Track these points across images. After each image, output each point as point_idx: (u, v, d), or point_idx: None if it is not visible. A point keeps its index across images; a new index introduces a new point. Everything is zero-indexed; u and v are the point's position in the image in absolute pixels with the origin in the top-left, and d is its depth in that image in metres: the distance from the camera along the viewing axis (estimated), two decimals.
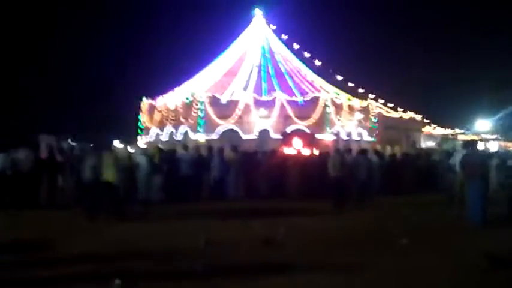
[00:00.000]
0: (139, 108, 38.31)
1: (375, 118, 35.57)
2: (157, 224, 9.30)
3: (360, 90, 38.31)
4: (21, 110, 40.66)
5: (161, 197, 12.58)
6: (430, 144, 40.27)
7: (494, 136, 44.07)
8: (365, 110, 35.19)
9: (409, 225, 9.20)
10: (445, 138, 42.36)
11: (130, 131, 39.27)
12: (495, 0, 67.26)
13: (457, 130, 45.57)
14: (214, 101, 32.41)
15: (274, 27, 41.60)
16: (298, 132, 28.85)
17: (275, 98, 32.12)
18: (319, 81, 38.97)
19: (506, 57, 53.06)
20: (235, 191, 13.32)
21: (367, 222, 9.60)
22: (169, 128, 34.86)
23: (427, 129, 43.55)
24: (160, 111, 35.95)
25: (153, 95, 37.80)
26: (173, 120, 34.66)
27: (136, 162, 12.32)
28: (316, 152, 19.33)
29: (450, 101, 52.38)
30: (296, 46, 40.34)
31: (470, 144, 9.61)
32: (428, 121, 43.68)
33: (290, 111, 31.75)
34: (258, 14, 42.53)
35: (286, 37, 40.95)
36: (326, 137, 31.52)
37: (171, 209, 11.38)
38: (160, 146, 18.11)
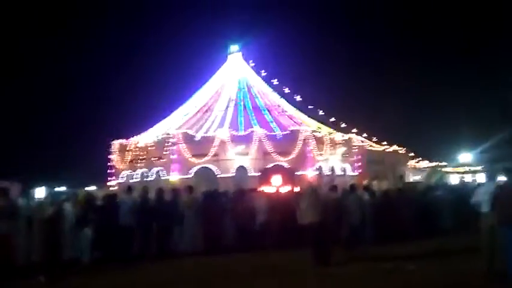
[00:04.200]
0: (110, 149, 35.39)
1: (357, 151, 33.13)
2: None
3: (342, 124, 36.08)
4: None
5: (93, 255, 9.38)
6: (416, 178, 37.76)
7: (479, 168, 42.01)
8: (347, 144, 32.76)
9: None
10: (433, 170, 39.96)
11: (104, 174, 36.51)
12: (476, 35, 67.11)
13: (442, 163, 43.37)
14: (188, 138, 29.76)
15: (253, 64, 39.61)
16: (276, 169, 26.38)
17: (252, 133, 29.54)
18: (299, 116, 36.65)
19: (488, 91, 51.98)
20: (191, 244, 10.14)
21: None
22: (141, 169, 31.91)
23: (411, 163, 41.23)
24: (131, 151, 33.03)
25: (126, 136, 35.13)
26: (144, 160, 31.75)
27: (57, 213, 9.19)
28: (296, 190, 16.73)
29: (433, 134, 50.43)
30: (275, 81, 38.30)
31: (506, 173, 6.60)
32: (412, 154, 41.44)
33: (269, 147, 29.16)
34: (234, 51, 40.71)
35: (265, 73, 38.88)
36: (308, 172, 28.80)
37: (91, 278, 8.15)
38: (91, 190, 15.02)
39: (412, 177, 37.67)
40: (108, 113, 54.72)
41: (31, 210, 9.68)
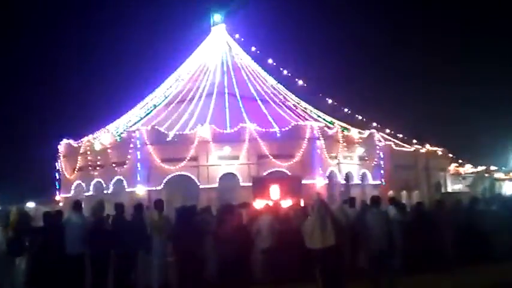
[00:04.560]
0: (56, 153, 35.20)
1: (381, 153, 33.10)
2: None
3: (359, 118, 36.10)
4: None
5: None
6: (459, 187, 37.84)
7: None
8: (368, 143, 32.72)
9: None
10: (480, 176, 39.97)
11: (49, 186, 36.34)
12: None
13: (491, 168, 43.47)
14: (158, 138, 29.59)
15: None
16: (275, 177, 26.27)
17: (243, 130, 29.42)
18: (304, 106, 36.59)
19: None
20: (160, 278, 9.99)
21: None
22: (96, 178, 31.75)
23: (452, 168, 41.26)
24: (83, 155, 32.85)
25: (77, 136, 34.95)
26: (101, 166, 31.57)
27: None
28: (301, 204, 16.72)
29: (479, 131, 50.51)
30: (286, 71, 38.16)
31: None
32: (453, 157, 41.45)
33: (265, 148, 29.05)
34: (218, 22, 40.68)
35: (258, 52, 38.86)
36: (316, 181, 28.75)
37: None
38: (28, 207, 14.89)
39: (452, 186, 37.76)
40: (55, 108, 54.20)
41: None
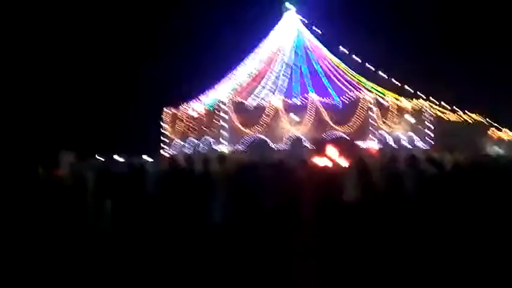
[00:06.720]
0: (161, 118, 35.76)
1: (430, 122, 30.74)
2: None
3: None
4: (40, 127, 38.53)
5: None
6: (498, 150, 34.49)
7: None
8: (418, 113, 30.49)
9: None
10: None
11: (156, 144, 36.99)
12: None
13: None
14: (239, 108, 29.44)
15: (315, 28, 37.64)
16: (334, 140, 25.08)
17: (308, 100, 28.36)
18: (360, 80, 34.64)
19: None
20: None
21: None
22: (192, 139, 32.06)
23: (493, 133, 37.61)
24: (182, 121, 33.24)
25: (176, 104, 35.20)
26: (195, 130, 31.82)
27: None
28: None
29: None
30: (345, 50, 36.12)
31: None
32: (495, 123, 37.70)
33: (326, 116, 27.88)
34: (289, 9, 38.97)
35: (322, 33, 36.92)
36: (370, 144, 27.24)
37: None
38: None
39: (493, 151, 34.54)
40: (158, 81, 53.06)
41: None
